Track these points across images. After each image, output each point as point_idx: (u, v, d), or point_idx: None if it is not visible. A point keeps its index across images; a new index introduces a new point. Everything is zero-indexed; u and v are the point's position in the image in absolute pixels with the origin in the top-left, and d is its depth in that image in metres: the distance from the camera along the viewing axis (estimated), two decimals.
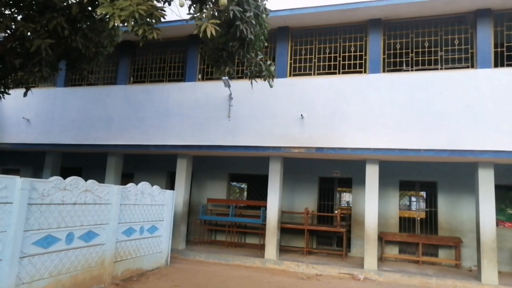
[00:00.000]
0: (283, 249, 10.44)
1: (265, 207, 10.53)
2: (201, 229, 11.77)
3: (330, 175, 11.53)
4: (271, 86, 6.30)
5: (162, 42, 10.25)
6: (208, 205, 11.92)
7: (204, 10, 4.31)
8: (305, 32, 9.97)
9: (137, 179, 12.20)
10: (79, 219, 6.08)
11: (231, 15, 4.53)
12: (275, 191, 9.87)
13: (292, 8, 9.26)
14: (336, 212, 11.21)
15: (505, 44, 8.73)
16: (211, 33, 4.19)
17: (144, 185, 7.84)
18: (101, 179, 9.37)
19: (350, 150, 8.88)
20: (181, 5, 4.16)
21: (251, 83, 6.40)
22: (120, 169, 11.55)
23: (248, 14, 4.86)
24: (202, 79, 10.76)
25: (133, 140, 10.58)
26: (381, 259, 10.14)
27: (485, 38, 8.59)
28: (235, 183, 13.26)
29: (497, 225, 8.83)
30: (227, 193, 12.48)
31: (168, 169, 12.62)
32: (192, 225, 11.82)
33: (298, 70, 9.97)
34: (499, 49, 8.69)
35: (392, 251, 10.67)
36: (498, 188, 8.73)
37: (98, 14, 4.23)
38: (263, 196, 12.06)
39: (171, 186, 12.16)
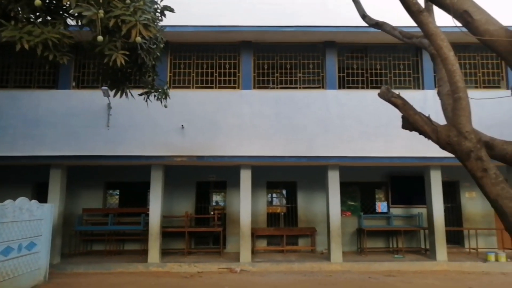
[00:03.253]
0: (164, 252, 10.92)
1: (145, 213, 10.86)
2: (76, 240, 11.36)
3: (206, 180, 12.46)
4: (165, 107, 6.85)
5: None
6: (84, 215, 11.58)
7: (114, 40, 4.67)
8: (184, 48, 10.66)
9: None
10: None
11: (139, 46, 5.01)
12: (157, 197, 10.30)
13: (173, 25, 9.76)
14: (212, 213, 12.20)
15: (345, 71, 10.95)
16: (120, 63, 4.61)
17: (22, 200, 7.46)
18: None
19: (228, 158, 9.95)
20: (100, 41, 4.45)
21: (146, 101, 6.84)
22: None
23: (148, 44, 5.38)
24: (77, 87, 10.48)
25: None
26: (253, 252, 11.49)
27: (331, 65, 10.65)
28: (111, 191, 13.08)
29: (341, 215, 10.96)
30: (103, 202, 12.29)
31: (35, 180, 11.76)
32: (66, 238, 11.29)
33: (178, 82, 10.61)
34: (341, 74, 10.87)
35: (262, 244, 12.18)
36: (342, 184, 10.86)
37: (2, 37, 4.19)
38: (140, 203, 12.30)
39: (37, 198, 11.35)
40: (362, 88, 10.82)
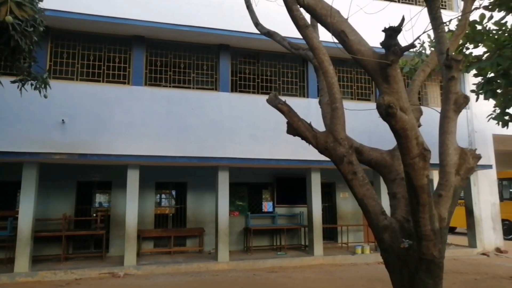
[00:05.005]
0: (36, 259, 9.83)
1: (13, 217, 9.66)
2: None
3: (89, 179, 11.59)
4: (45, 97, 6.16)
5: None
6: None
7: None
8: (68, 36, 9.79)
9: None
10: None
11: (10, 27, 4.41)
12: (29, 199, 9.20)
13: (55, 10, 8.89)
14: (95, 215, 11.39)
15: (238, 74, 11.27)
16: None
17: None
18: None
19: (114, 156, 9.41)
20: None
21: (20, 90, 6.05)
22: None
23: (24, 26, 4.79)
24: None
25: None
26: (139, 254, 11.04)
27: (225, 68, 10.86)
28: None
29: (229, 214, 11.21)
30: None
31: None
32: None
33: (60, 73, 9.68)
34: (234, 78, 11.15)
35: (148, 246, 11.80)
36: (231, 185, 11.09)
37: None
38: (6, 205, 10.89)
39: None
40: (253, 92, 11.25)
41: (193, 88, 10.85)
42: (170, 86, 10.63)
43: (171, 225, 12.43)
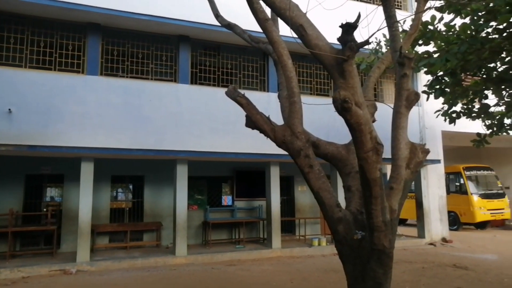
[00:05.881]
0: None
1: None
2: None
3: (39, 172, 11.03)
4: None
5: None
6: None
7: None
8: (16, 19, 9.22)
9: None
10: None
11: None
12: None
13: None
14: (46, 210, 10.88)
15: (198, 66, 11.11)
16: None
17: None
18: None
19: (66, 148, 9.01)
20: None
21: None
22: None
23: None
24: None
25: None
26: (93, 250, 10.67)
27: (184, 59, 10.67)
28: None
29: (187, 208, 11.08)
30: None
31: None
32: None
33: (6, 59, 9.11)
34: (194, 70, 10.98)
35: (103, 241, 11.43)
36: (190, 178, 10.95)
37: None
38: None
39: None
40: (214, 85, 11.14)
41: (152, 79, 10.57)
42: (127, 77, 10.30)
43: (128, 219, 12.12)
